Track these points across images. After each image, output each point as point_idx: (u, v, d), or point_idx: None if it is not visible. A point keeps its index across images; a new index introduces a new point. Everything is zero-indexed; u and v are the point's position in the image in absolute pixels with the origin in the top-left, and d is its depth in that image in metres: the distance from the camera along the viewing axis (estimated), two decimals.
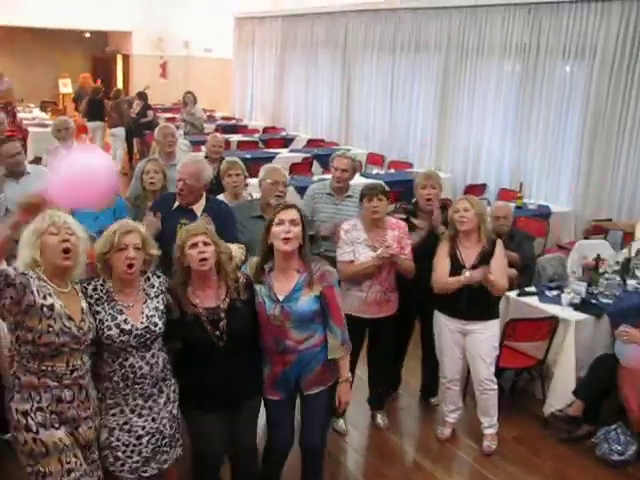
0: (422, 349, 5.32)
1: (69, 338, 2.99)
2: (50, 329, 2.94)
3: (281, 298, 3.50)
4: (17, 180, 5.36)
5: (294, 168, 10.08)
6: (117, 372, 3.27)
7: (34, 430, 3.00)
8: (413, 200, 5.26)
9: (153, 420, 3.35)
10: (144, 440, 3.32)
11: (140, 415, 3.32)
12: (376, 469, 4.67)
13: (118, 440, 3.29)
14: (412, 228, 4.92)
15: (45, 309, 2.94)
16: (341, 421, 4.97)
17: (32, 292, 2.90)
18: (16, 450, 3.11)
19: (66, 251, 3.01)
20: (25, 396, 3.02)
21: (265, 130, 14.83)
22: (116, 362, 3.26)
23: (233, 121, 15.97)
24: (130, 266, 3.22)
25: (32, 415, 3.00)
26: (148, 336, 3.29)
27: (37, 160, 6.49)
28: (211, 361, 3.44)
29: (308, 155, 11.21)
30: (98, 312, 3.23)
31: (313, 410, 3.72)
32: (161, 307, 3.37)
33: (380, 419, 5.13)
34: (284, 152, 11.69)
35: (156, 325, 3.31)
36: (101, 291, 3.27)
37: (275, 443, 3.82)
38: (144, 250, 3.29)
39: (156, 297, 3.38)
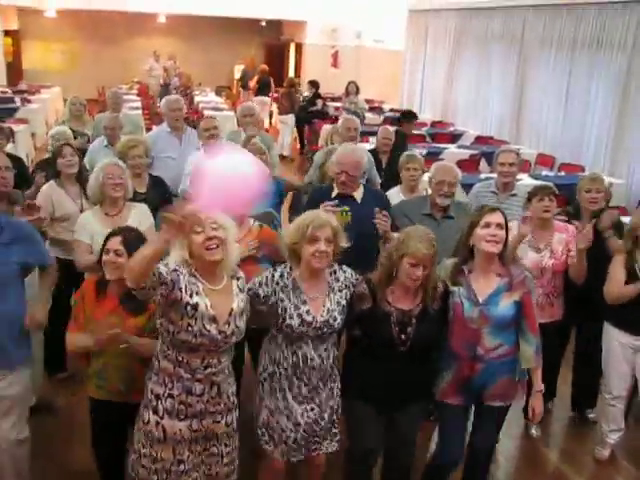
0: (574, 360, 5.10)
1: (207, 340, 2.98)
2: (189, 328, 2.95)
3: (481, 300, 3.44)
4: None
5: (461, 165, 9.86)
6: (288, 359, 3.31)
7: (160, 415, 3.06)
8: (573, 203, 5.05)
9: (312, 410, 3.37)
10: (301, 428, 3.36)
11: (301, 403, 3.35)
12: None
13: (277, 423, 3.35)
14: None
15: (189, 307, 2.94)
16: None
17: (180, 289, 2.91)
18: (135, 427, 3.19)
19: (212, 247, 2.95)
20: (161, 380, 3.08)
21: (433, 124, 14.64)
22: (289, 349, 3.31)
23: None
24: (319, 259, 3.22)
25: (163, 400, 3.06)
26: (326, 330, 3.31)
27: None
28: (387, 361, 3.40)
29: (476, 152, 10.95)
30: (282, 300, 3.27)
31: (487, 424, 3.63)
32: (343, 302, 3.36)
33: (534, 429, 4.96)
34: (452, 147, 11.51)
35: (335, 320, 3.31)
36: (287, 278, 3.30)
37: (447, 449, 3.71)
38: (335, 242, 3.27)
39: (339, 291, 3.38)
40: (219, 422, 3.17)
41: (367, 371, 3.45)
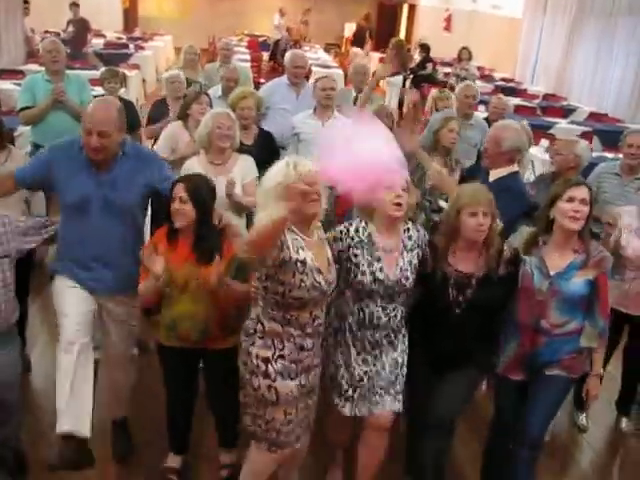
0: None
1: (318, 293, 2.97)
2: (302, 284, 2.92)
3: (552, 274, 3.32)
4: (323, 123, 5.57)
5: None
6: (354, 315, 3.30)
7: (272, 378, 3.02)
8: None
9: (374, 365, 3.34)
10: (363, 382, 3.33)
11: (364, 360, 3.33)
12: (613, 474, 4.35)
13: (342, 378, 3.34)
14: None
15: (299, 264, 2.91)
16: (583, 416, 4.68)
17: (288, 247, 2.88)
18: (240, 394, 3.18)
19: (313, 200, 2.90)
20: (268, 343, 3.03)
21: (545, 97, 14.08)
22: (356, 305, 3.30)
23: (512, 83, 15.37)
24: (397, 205, 3.20)
25: (273, 362, 3.01)
26: (397, 289, 3.27)
27: None
28: (442, 323, 3.37)
29: (588, 129, 10.42)
30: (356, 255, 3.24)
31: (544, 393, 3.44)
32: (414, 262, 3.33)
33: (625, 424, 4.75)
34: (562, 123, 11.01)
35: (407, 279, 3.28)
36: (362, 234, 3.27)
37: (502, 422, 3.61)
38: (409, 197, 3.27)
39: (411, 250, 3.34)
40: (316, 375, 3.21)
41: (425, 332, 3.43)
